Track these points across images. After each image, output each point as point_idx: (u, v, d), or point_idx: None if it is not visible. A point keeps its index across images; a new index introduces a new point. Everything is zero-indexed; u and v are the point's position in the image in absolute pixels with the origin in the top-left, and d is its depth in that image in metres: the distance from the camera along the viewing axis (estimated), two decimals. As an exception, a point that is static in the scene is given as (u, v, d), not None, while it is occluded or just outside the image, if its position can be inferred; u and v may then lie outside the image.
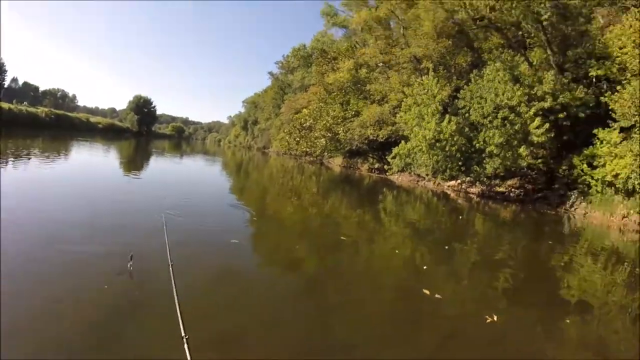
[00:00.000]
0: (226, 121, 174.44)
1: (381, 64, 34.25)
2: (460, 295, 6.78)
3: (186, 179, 21.01)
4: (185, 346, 3.43)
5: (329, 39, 58.96)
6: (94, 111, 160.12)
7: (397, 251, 9.40)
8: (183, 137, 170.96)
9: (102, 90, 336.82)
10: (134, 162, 27.10)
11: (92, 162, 23.84)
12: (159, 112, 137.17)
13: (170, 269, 5.23)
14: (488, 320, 5.35)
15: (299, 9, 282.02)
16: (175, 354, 3.46)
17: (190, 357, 3.28)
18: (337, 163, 44.52)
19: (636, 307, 7.16)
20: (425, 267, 8.08)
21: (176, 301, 4.31)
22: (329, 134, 36.27)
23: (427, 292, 6.15)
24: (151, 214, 9.18)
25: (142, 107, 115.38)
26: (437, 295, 6.07)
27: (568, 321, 5.91)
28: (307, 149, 41.10)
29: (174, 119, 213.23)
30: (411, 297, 6.26)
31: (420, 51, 27.67)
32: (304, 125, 41.42)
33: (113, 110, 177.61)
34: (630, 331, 6.02)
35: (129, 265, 5.49)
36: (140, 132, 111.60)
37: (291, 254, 8.23)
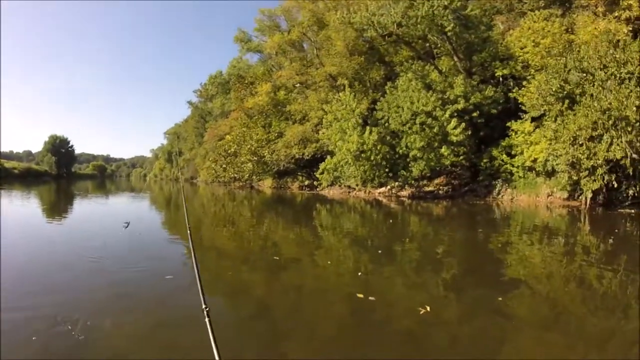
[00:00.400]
0: (149, 155, 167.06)
1: (298, 85, 34.85)
2: (397, 294, 6.80)
3: (113, 219, 19.48)
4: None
5: (244, 64, 58.99)
6: (9, 155, 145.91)
7: (329, 262, 9.30)
8: (106, 175, 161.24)
9: (14, 133, 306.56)
10: (57, 208, 24.82)
11: (13, 211, 21.46)
12: (77, 151, 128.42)
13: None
14: (422, 312, 5.40)
15: (214, 35, 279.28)
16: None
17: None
18: (267, 185, 44.08)
19: (578, 274, 7.71)
20: (359, 274, 8.03)
21: None
22: (254, 158, 35.96)
23: (360, 295, 6.11)
24: (74, 263, 8.35)
25: (59, 148, 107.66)
26: (370, 298, 6.06)
27: (500, 298, 6.10)
28: (235, 175, 40.41)
29: (94, 157, 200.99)
30: (349, 303, 6.18)
31: (335, 69, 28.55)
32: (229, 151, 40.73)
33: (29, 153, 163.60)
34: (577, 296, 6.43)
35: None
36: (60, 174, 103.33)
37: (234, 282, 7.84)
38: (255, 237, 13.90)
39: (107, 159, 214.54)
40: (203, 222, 19.09)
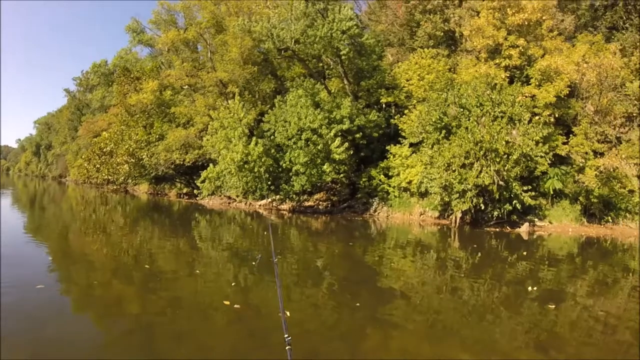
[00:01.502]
0: (15, 145, 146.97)
1: (187, 87, 33.25)
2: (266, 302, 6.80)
3: None
4: None
5: (133, 56, 55.13)
6: None
7: (198, 271, 8.79)
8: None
9: None
10: None
11: None
12: None
13: None
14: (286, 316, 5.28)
15: (106, 20, 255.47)
16: None
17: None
18: (143, 190, 41.32)
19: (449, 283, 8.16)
20: (233, 284, 7.81)
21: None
22: (132, 160, 33.24)
23: (227, 303, 6.40)
24: None
25: None
26: (235, 305, 6.32)
27: (378, 307, 6.19)
28: (109, 177, 37.06)
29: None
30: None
31: (227, 76, 27.78)
32: (104, 150, 37.32)
33: None
34: (449, 303, 6.71)
35: None
36: None
37: (108, 295, 7.08)
38: (130, 247, 12.74)
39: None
40: (71, 228, 17.24)
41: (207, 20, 31.76)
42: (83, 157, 45.33)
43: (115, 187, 43.09)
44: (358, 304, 6.77)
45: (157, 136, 32.68)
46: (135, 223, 19.94)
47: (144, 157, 32.39)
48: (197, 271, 9.24)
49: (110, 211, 25.65)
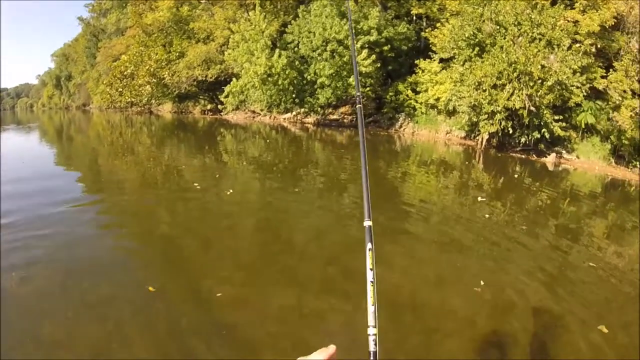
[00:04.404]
0: (36, 82, 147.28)
1: (204, 1, 31.92)
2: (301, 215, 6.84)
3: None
4: None
5: (145, -25, 52.85)
6: None
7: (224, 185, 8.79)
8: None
9: None
10: None
11: None
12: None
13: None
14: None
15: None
16: None
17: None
18: (167, 110, 41.42)
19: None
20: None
21: None
22: (153, 80, 32.89)
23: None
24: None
25: None
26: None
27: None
28: (132, 99, 36.95)
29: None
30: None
31: (245, -15, 26.40)
32: (125, 73, 36.84)
33: None
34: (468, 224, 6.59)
35: None
36: None
37: (139, 212, 7.17)
38: (159, 165, 12.78)
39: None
40: (100, 154, 17.34)
41: None
42: (104, 82, 45.07)
43: (139, 109, 43.21)
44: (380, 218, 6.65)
45: (177, 54, 31.98)
46: (162, 142, 20.00)
47: (165, 76, 31.98)
48: (224, 185, 9.25)
49: (136, 133, 25.76)
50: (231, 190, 8.50)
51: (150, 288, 4.06)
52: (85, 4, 73.24)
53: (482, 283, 4.40)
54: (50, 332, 3.45)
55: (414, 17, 23.23)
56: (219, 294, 4.03)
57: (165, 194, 8.54)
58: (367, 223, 1.29)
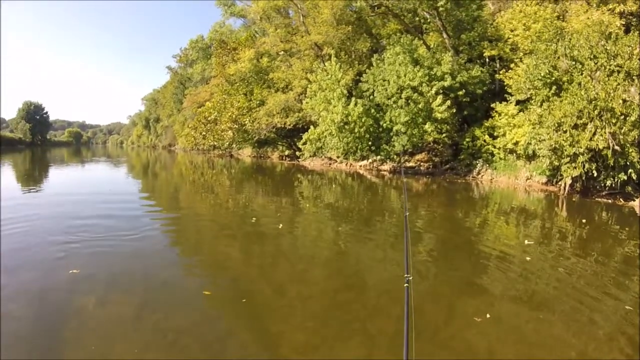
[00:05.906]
0: (126, 121, 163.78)
1: (282, 52, 33.94)
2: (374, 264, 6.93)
3: (90, 188, 18.68)
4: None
5: (227, 29, 57.24)
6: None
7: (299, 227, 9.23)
8: (82, 142, 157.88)
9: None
10: (33, 177, 23.76)
11: None
12: (52, 117, 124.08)
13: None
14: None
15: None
16: None
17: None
18: (246, 154, 43.70)
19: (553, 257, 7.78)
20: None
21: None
22: (235, 126, 35.22)
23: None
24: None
25: (34, 114, 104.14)
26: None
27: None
28: (215, 143, 39.61)
29: (69, 124, 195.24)
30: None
31: (321, 38, 27.81)
32: (209, 118, 39.75)
33: (2, 120, 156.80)
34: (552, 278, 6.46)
35: None
36: (34, 142, 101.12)
37: (216, 251, 7.78)
38: (235, 204, 13.69)
39: (83, 126, 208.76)
40: (182, 190, 18.89)
41: (296, -16, 31.85)
42: (189, 126, 48.67)
43: (220, 152, 46.04)
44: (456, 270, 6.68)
45: (258, 102, 34.10)
46: (240, 184, 21.14)
47: (246, 122, 34.11)
48: (298, 227, 9.69)
49: (217, 174, 27.43)
50: (305, 236, 8.93)
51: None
52: (173, 54, 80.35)
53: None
54: (119, 352, 4.00)
55: (487, 60, 22.98)
56: (288, 341, 4.32)
57: (241, 236, 9.07)
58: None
